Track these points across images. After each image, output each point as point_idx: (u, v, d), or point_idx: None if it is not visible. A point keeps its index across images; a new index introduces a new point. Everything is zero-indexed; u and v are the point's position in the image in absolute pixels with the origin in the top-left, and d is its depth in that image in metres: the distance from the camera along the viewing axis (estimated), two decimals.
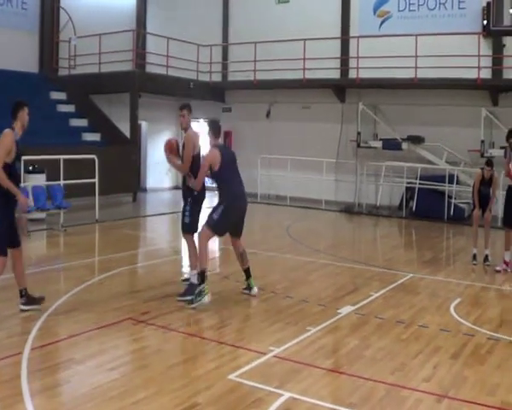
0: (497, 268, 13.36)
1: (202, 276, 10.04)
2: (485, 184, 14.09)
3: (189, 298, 10.09)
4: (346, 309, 10.08)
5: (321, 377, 7.29)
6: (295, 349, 8.12)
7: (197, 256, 10.38)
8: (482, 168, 14.31)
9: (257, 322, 9.35)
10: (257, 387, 6.85)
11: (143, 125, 27.81)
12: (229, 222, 10.34)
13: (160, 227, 19.81)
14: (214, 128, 10.67)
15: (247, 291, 10.89)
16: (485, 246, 14.10)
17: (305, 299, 10.67)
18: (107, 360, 7.54)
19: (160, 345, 8.20)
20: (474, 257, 14.14)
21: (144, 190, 27.65)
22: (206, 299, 9.93)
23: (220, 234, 10.83)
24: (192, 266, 10.69)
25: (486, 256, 14.03)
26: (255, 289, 10.86)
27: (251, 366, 7.47)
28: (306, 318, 9.59)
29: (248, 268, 10.89)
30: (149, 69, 27.45)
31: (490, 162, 14.10)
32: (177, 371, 7.35)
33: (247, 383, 6.94)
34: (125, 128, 24.29)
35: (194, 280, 10.32)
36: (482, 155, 21.08)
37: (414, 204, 21.82)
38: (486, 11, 20.70)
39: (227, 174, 10.38)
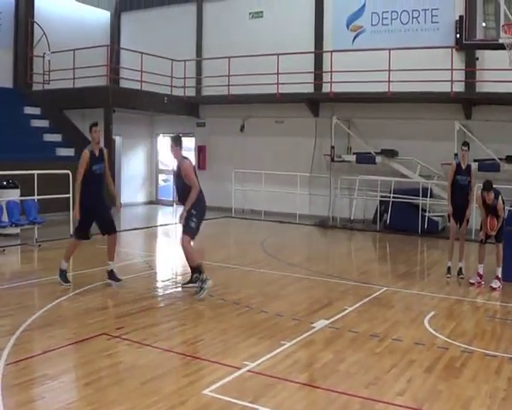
0: (471, 281, 13.41)
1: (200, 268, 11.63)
2: (463, 173, 14.07)
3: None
4: (320, 323, 10.08)
5: (295, 392, 7.28)
6: (270, 364, 8.10)
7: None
8: (456, 154, 14.13)
9: (231, 337, 9.31)
10: (231, 402, 6.82)
11: (118, 140, 27.71)
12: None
13: (134, 242, 19.69)
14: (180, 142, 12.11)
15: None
16: (459, 259, 14.15)
17: (280, 313, 10.66)
18: (81, 376, 7.50)
19: (134, 360, 8.14)
20: (449, 270, 14.16)
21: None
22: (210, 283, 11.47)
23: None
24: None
25: (460, 269, 14.06)
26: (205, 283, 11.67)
27: (225, 380, 7.44)
28: (281, 332, 9.58)
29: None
30: (123, 84, 27.41)
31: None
32: (150, 387, 7.29)
33: (221, 398, 6.91)
34: None
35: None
36: None
37: (388, 218, 21.87)
38: (459, 25, 20.78)
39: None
